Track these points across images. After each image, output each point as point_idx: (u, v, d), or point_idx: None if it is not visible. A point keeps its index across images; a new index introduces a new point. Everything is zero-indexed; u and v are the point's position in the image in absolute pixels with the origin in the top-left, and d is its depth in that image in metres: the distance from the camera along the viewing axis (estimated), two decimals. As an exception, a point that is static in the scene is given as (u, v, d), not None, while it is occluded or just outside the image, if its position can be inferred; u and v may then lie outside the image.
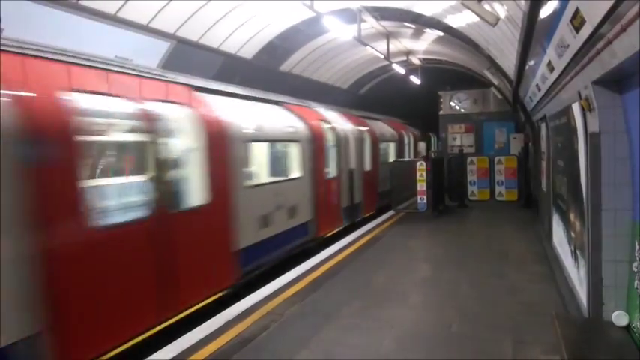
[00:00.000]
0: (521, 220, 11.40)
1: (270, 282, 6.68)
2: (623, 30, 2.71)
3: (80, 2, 7.23)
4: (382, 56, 13.78)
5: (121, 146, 6.68)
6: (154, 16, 8.63)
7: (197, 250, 6.00)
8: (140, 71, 5.85)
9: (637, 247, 3.64)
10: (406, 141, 18.82)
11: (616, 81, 3.69)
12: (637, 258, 3.62)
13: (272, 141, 9.03)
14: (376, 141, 14.45)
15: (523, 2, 4.79)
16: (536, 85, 7.00)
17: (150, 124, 5.44)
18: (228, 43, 10.99)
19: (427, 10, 10.96)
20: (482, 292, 6.17)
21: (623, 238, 3.86)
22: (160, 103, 5.77)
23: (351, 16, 11.17)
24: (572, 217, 5.45)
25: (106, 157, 6.51)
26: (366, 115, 15.75)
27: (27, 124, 3.94)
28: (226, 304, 5.84)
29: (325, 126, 10.80)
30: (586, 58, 3.68)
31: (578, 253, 4.97)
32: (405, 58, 17.09)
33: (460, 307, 5.59)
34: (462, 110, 17.03)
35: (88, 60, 5.07)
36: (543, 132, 8.91)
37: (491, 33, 8.49)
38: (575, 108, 4.71)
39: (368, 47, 12.37)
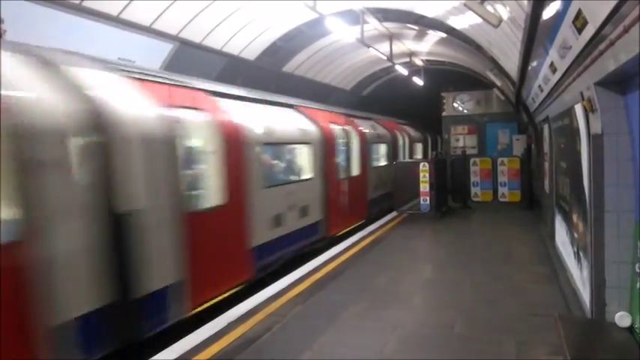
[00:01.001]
0: (523, 221, 11.38)
1: (274, 283, 6.69)
2: (626, 31, 2.71)
3: (83, 3, 7.26)
4: (385, 57, 13.79)
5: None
6: (157, 18, 8.66)
7: None
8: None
9: (640, 248, 3.63)
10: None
11: (619, 82, 3.69)
12: (640, 259, 3.62)
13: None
14: (411, 141, 19.03)
15: (525, 3, 4.79)
16: (539, 86, 6.99)
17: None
18: (231, 45, 11.01)
19: (430, 11, 10.98)
20: (485, 292, 6.16)
21: (626, 240, 3.85)
22: None
23: (354, 17, 11.17)
24: (574, 218, 5.44)
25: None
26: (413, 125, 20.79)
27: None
28: (230, 305, 5.85)
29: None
30: (588, 59, 3.68)
31: (581, 254, 4.96)
32: (407, 60, 17.09)
33: (463, 308, 5.57)
34: (465, 111, 17.01)
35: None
36: (546, 133, 8.90)
37: (493, 34, 8.48)
38: (578, 109, 4.70)
39: (371, 49, 12.37)
